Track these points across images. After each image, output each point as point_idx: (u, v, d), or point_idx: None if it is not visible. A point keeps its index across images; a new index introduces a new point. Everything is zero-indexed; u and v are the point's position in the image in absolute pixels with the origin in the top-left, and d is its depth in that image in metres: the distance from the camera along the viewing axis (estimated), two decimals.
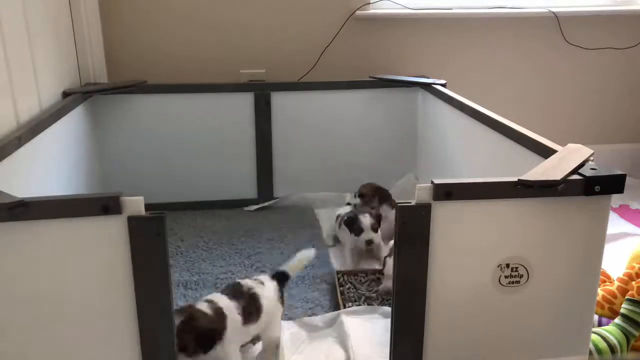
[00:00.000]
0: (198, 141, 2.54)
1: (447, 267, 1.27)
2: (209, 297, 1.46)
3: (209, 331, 1.36)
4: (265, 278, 1.58)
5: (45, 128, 1.86)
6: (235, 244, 2.26)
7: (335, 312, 1.75)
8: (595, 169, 1.28)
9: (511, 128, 1.74)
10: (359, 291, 1.88)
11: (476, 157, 2.07)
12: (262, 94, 2.54)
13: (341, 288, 1.89)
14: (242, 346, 1.50)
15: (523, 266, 1.28)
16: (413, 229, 1.23)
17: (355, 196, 2.37)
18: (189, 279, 1.99)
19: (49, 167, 1.91)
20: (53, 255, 1.16)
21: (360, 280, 1.95)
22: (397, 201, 1.24)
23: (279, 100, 2.56)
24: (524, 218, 1.26)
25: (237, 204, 2.59)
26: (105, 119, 2.47)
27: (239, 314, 1.42)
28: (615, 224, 2.44)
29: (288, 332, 1.65)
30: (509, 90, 2.97)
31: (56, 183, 1.94)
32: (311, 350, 1.60)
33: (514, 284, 1.29)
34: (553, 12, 2.85)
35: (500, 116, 1.88)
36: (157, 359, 1.24)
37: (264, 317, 1.49)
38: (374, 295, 1.85)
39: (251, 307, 1.47)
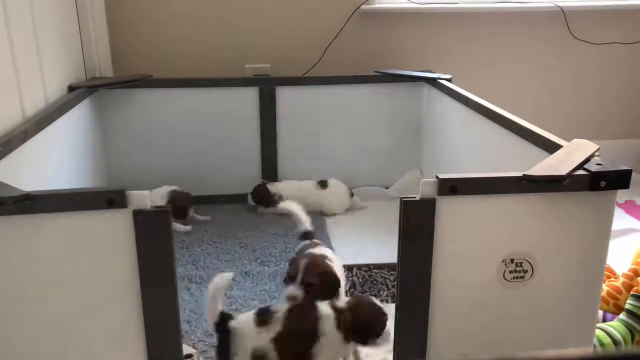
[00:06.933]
0: (203, 135, 2.55)
1: (451, 262, 1.27)
2: None
3: None
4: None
5: (51, 122, 1.87)
6: (240, 238, 2.27)
7: None
8: (600, 165, 1.27)
9: (516, 123, 1.73)
10: (364, 287, 1.88)
11: (481, 152, 2.07)
12: (267, 89, 2.54)
13: (345, 282, 1.90)
14: None
15: (527, 261, 1.28)
16: (417, 223, 1.23)
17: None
18: (194, 273, 2.00)
19: (55, 160, 1.91)
20: (59, 248, 1.17)
21: (364, 276, 1.95)
22: (401, 197, 1.25)
23: (284, 94, 2.56)
24: (528, 213, 1.26)
25: (242, 198, 2.59)
26: (110, 113, 2.47)
27: None
28: (621, 219, 2.44)
29: None
30: (514, 85, 2.96)
31: (62, 176, 1.95)
32: None
33: (519, 279, 1.29)
34: (559, 7, 2.83)
35: (505, 111, 1.87)
36: (163, 351, 1.25)
37: None
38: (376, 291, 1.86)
39: None
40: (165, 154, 2.55)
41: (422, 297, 1.28)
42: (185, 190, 2.41)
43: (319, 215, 2.47)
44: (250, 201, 2.53)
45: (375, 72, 2.65)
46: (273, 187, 2.49)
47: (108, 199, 1.14)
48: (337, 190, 2.53)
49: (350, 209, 2.54)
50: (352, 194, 2.55)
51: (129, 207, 1.16)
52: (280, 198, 2.46)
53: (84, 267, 1.18)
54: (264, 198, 2.48)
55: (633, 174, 1.26)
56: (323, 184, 2.52)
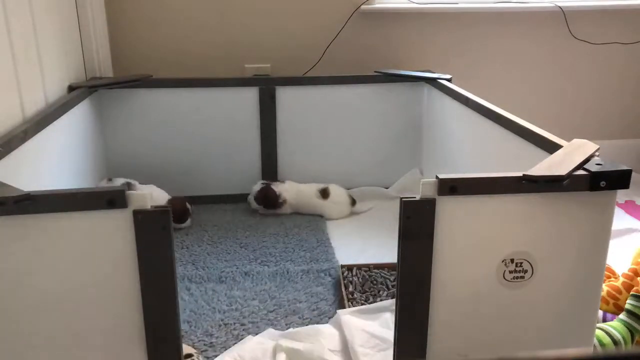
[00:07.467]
0: (203, 136, 2.55)
1: (451, 262, 1.27)
2: None
3: None
4: None
5: (51, 122, 1.87)
6: (240, 238, 2.27)
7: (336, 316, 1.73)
8: (600, 164, 1.27)
9: (516, 123, 1.73)
10: (364, 286, 1.89)
11: (481, 152, 2.07)
12: (267, 89, 2.54)
13: (345, 282, 1.90)
14: None
15: (527, 261, 1.28)
16: (417, 223, 1.23)
17: None
18: (194, 272, 2.00)
19: (55, 160, 1.91)
20: (59, 248, 1.17)
21: (364, 276, 1.95)
22: (401, 197, 1.25)
23: (283, 94, 2.56)
24: (528, 213, 1.26)
25: (241, 199, 2.59)
26: (110, 113, 2.47)
27: None
28: (621, 219, 2.43)
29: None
30: (514, 85, 2.96)
31: (62, 177, 1.95)
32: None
33: (518, 279, 1.29)
34: (559, 7, 2.83)
35: (505, 111, 1.87)
36: (163, 351, 1.25)
37: None
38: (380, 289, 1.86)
39: None
40: (165, 154, 2.55)
41: (422, 297, 1.28)
42: (180, 196, 2.39)
43: (319, 215, 2.48)
44: (254, 204, 2.50)
45: (375, 72, 2.65)
46: (277, 188, 2.48)
47: (108, 199, 1.15)
48: (338, 199, 2.49)
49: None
50: (353, 202, 2.51)
51: (129, 207, 1.16)
52: (285, 201, 2.45)
53: (84, 267, 1.18)
54: (271, 201, 2.45)
55: (633, 174, 1.26)
56: (324, 193, 2.48)
